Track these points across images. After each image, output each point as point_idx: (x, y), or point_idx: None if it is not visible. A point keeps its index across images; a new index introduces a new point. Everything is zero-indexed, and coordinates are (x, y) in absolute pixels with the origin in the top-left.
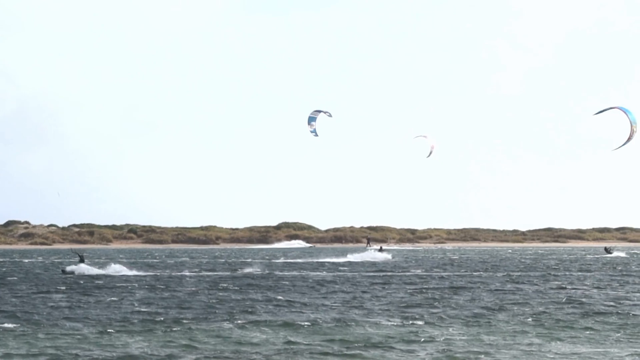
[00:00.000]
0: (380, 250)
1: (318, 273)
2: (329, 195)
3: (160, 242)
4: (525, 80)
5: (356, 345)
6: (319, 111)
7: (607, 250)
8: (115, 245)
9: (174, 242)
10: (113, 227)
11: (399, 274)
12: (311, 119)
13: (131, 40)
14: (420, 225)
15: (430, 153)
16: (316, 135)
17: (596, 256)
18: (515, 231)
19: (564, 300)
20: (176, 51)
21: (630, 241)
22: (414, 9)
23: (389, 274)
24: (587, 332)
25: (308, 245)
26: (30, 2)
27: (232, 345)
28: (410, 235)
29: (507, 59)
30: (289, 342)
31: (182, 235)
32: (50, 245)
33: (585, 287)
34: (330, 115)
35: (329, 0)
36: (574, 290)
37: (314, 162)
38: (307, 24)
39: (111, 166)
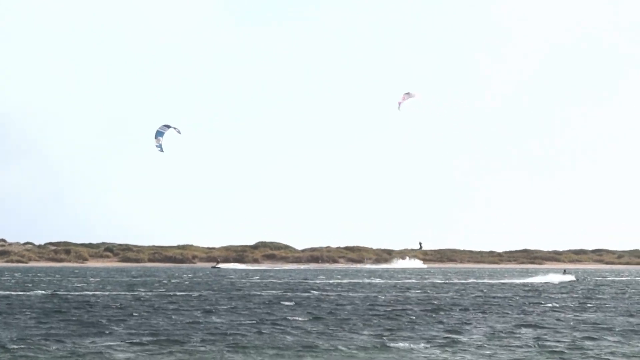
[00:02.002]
0: (564, 273)
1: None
2: (306, 215)
3: (137, 260)
4: (503, 102)
5: None
6: (168, 126)
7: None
8: (91, 264)
9: (150, 260)
10: (89, 246)
11: None
12: (158, 134)
13: (113, 56)
14: (396, 245)
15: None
16: (161, 150)
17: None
18: (491, 252)
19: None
20: (157, 68)
21: (606, 263)
22: (399, 22)
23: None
24: None
25: (424, 265)
26: (8, 15)
27: None
28: (387, 256)
29: (488, 76)
30: None
31: (158, 254)
32: (26, 263)
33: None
34: (179, 132)
35: (315, 10)
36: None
37: (291, 182)
38: (293, 35)
39: (88, 184)
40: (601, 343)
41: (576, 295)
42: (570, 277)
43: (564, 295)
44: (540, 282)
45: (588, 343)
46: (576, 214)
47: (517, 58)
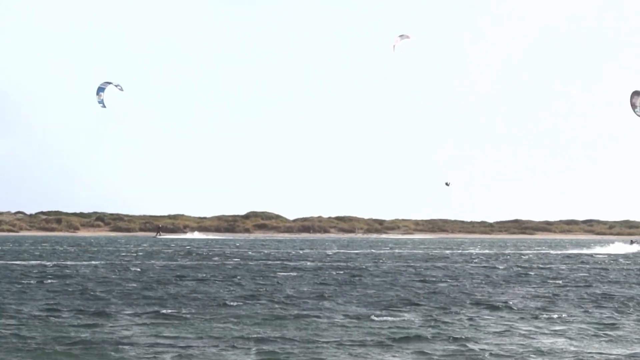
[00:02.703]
0: (631, 243)
1: None
2: (297, 185)
3: (128, 230)
4: (494, 75)
5: None
6: (109, 83)
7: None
8: (82, 233)
9: (141, 230)
10: (81, 215)
11: None
12: (100, 90)
13: (101, 30)
14: (387, 215)
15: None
16: (104, 106)
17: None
18: (483, 223)
19: None
20: (146, 41)
21: (597, 234)
22: (382, 4)
23: None
24: None
25: None
26: None
27: None
28: (378, 226)
29: (477, 52)
30: None
31: (150, 223)
32: (17, 232)
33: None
34: (121, 89)
35: None
36: None
37: (282, 152)
38: (274, 16)
39: (79, 153)
40: None
41: None
42: (638, 247)
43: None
44: (606, 254)
45: None
46: (567, 185)
47: (510, 33)
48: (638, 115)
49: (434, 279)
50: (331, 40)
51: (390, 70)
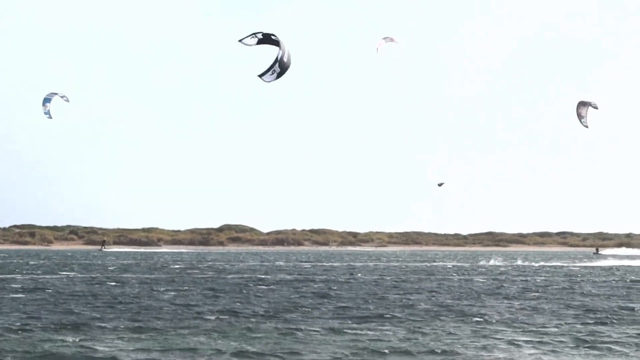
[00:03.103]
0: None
1: None
2: (271, 198)
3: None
4: (471, 86)
5: None
6: (55, 93)
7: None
8: (56, 247)
9: (115, 243)
10: (54, 228)
11: None
12: (46, 100)
13: (77, 39)
14: (361, 228)
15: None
16: (50, 117)
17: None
18: (456, 235)
19: None
20: (122, 51)
21: (570, 246)
22: (368, 10)
23: None
24: None
25: None
26: None
27: None
28: (352, 239)
29: (454, 68)
30: None
31: (123, 236)
32: None
33: None
34: (67, 100)
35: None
36: None
37: (256, 164)
38: (261, 25)
39: (53, 167)
40: None
41: None
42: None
43: None
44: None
45: None
46: (540, 197)
47: (486, 48)
48: (584, 125)
49: (410, 291)
50: (310, 49)
51: (363, 84)
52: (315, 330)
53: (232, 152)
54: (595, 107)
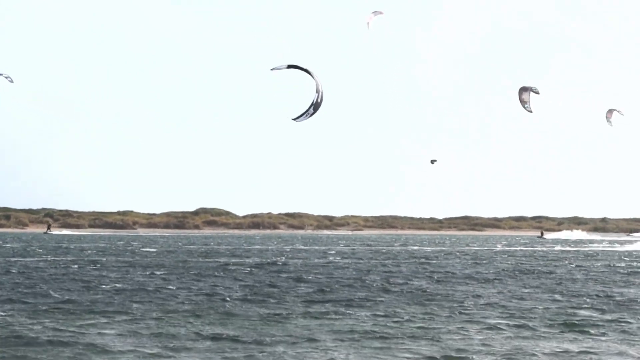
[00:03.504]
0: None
1: None
2: (247, 181)
3: (77, 226)
4: (444, 71)
5: None
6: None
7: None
8: (31, 230)
9: (90, 227)
10: (29, 211)
11: None
12: None
13: (50, 23)
14: (337, 212)
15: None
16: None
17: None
18: (432, 219)
19: None
20: (96, 34)
21: (546, 230)
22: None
23: None
24: None
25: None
26: None
27: None
28: (328, 222)
29: (428, 49)
30: None
31: (99, 220)
32: None
33: None
34: (11, 81)
35: None
36: None
37: (231, 147)
38: (229, 16)
39: (27, 148)
40: None
41: None
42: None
43: None
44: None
45: None
46: (516, 181)
47: (460, 34)
48: (528, 110)
49: (392, 275)
50: (287, 36)
51: (337, 68)
52: (291, 314)
53: (207, 135)
54: (537, 92)
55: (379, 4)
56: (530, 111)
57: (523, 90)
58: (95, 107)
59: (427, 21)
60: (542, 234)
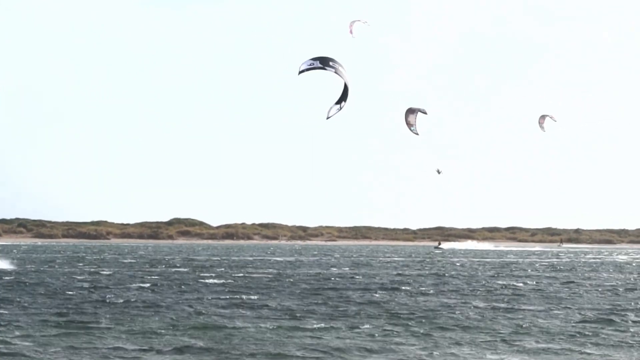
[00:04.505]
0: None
1: None
2: (221, 192)
3: (51, 236)
4: (417, 78)
5: None
6: None
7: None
8: (4, 241)
9: (64, 237)
10: (3, 221)
11: None
12: None
13: (30, 30)
14: (311, 222)
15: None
16: None
17: None
18: (406, 230)
19: None
20: (74, 42)
21: (519, 241)
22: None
23: None
24: None
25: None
26: None
27: None
28: (302, 233)
29: (400, 57)
30: None
31: (72, 230)
32: None
33: None
34: None
35: None
36: None
37: (205, 158)
38: (204, 18)
39: (1, 159)
40: None
41: None
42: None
43: None
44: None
45: None
46: (490, 192)
47: (430, 42)
48: (414, 133)
49: (366, 287)
50: (256, 44)
51: (308, 78)
52: (259, 327)
53: (181, 146)
54: (425, 113)
55: (354, 13)
56: (417, 134)
57: (409, 112)
58: (69, 118)
59: (401, 29)
60: (439, 243)
